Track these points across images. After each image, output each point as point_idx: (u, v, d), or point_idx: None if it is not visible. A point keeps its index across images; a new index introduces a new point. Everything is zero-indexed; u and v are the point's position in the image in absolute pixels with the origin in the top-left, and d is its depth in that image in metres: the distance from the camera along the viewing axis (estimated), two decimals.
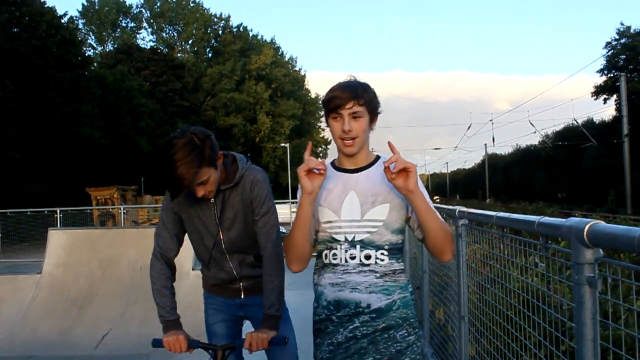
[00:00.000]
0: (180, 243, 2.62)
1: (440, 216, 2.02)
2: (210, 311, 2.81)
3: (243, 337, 2.50)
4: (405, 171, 1.89)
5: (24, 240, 14.54)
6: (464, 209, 3.33)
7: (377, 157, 2.14)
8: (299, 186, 2.03)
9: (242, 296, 2.72)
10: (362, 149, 2.08)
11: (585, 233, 1.56)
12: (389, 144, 1.97)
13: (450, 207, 3.69)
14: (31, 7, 34.98)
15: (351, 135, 2.01)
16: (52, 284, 8.99)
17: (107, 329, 8.08)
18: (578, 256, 1.61)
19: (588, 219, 1.62)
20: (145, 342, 6.88)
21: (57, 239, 9.67)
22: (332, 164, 2.16)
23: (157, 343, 2.47)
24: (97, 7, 63.70)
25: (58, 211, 13.06)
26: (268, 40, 74.03)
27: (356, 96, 2.01)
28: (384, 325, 2.01)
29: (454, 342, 3.87)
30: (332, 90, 2.06)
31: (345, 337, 2.04)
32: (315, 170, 1.97)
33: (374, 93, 2.09)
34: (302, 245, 2.06)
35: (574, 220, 1.63)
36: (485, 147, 59.77)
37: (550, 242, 2.00)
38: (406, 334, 2.03)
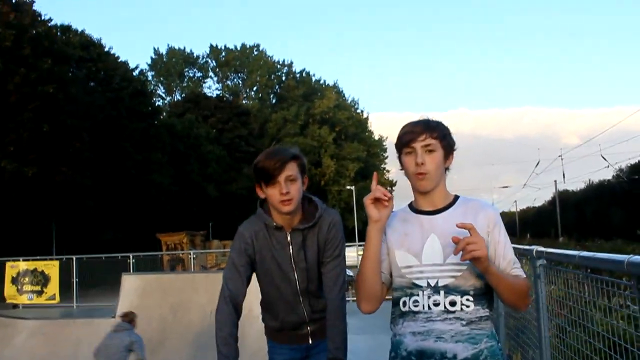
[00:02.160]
0: (247, 286, 2.56)
1: (513, 279, 1.91)
2: None
3: None
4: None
5: (98, 285, 15.00)
6: (541, 248, 3.20)
7: (456, 197, 2.06)
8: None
9: (310, 341, 2.65)
10: (439, 188, 2.01)
11: None
12: (458, 225, 1.87)
13: (527, 247, 3.55)
14: (106, 63, 36.92)
15: (424, 169, 1.95)
16: None
17: None
18: None
19: None
20: None
21: (130, 283, 9.92)
22: (410, 206, 2.09)
23: None
24: (165, 59, 66.50)
25: (131, 256, 13.46)
26: (330, 84, 75.02)
27: (429, 129, 1.97)
28: None
29: None
30: (404, 127, 2.03)
31: None
32: (382, 197, 1.93)
33: (447, 129, 2.04)
34: (372, 280, 1.99)
35: None
36: (555, 184, 57.95)
37: None
38: None
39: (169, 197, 38.86)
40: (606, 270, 2.29)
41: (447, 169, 2.04)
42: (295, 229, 2.45)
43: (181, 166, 42.42)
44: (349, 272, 17.63)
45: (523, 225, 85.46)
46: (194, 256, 16.01)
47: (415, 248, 1.97)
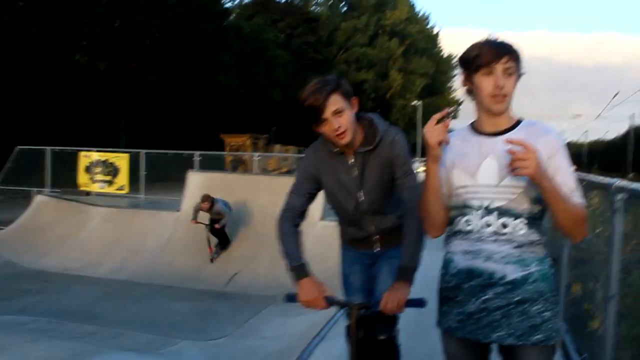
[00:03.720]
0: (310, 202, 2.64)
1: (571, 203, 1.83)
2: (347, 262, 2.84)
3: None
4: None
5: (164, 179, 15.53)
6: (623, 183, 3.07)
7: (519, 121, 1.99)
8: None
9: (378, 248, 2.72)
10: (507, 111, 1.96)
11: None
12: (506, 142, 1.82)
13: (607, 180, 3.41)
14: None
15: (504, 92, 1.88)
16: (189, 222, 9.59)
17: (237, 269, 8.52)
18: None
19: None
20: (273, 285, 7.17)
21: (195, 180, 10.24)
22: (472, 126, 2.05)
23: (291, 298, 2.41)
24: None
25: (196, 154, 13.74)
26: None
27: (510, 51, 1.88)
28: (518, 298, 1.88)
29: (592, 320, 3.66)
30: (479, 46, 1.92)
31: (477, 307, 1.93)
32: (447, 140, 1.91)
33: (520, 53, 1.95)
34: (435, 209, 2.01)
35: None
36: (632, 118, 55.44)
37: None
38: (542, 309, 1.89)
39: (235, 99, 39.24)
40: None
41: None
42: (357, 152, 2.47)
43: (248, 69, 42.48)
44: None
45: (591, 158, 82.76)
46: (257, 158, 16.28)
47: (472, 168, 1.95)
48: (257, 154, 18.24)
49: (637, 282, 2.95)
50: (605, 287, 3.27)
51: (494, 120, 1.96)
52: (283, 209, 2.59)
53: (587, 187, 4.01)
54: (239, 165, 23.19)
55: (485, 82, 1.90)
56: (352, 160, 2.49)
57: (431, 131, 1.89)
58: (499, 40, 1.93)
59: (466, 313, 1.96)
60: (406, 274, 2.39)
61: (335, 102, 2.30)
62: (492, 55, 1.88)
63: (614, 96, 43.51)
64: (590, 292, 3.91)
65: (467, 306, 1.96)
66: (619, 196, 3.10)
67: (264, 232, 8.62)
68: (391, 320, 2.65)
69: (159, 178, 16.05)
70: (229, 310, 6.65)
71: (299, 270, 2.44)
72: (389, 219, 2.64)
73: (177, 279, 8.36)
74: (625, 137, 61.81)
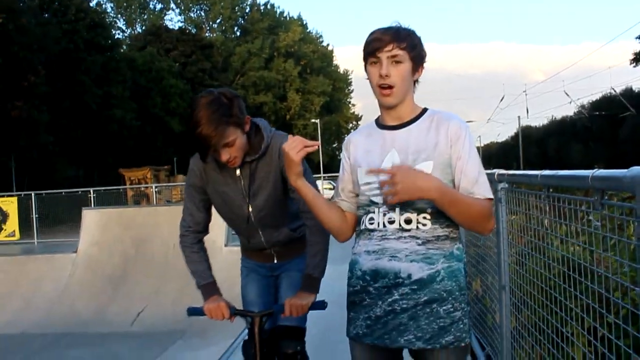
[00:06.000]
0: (209, 217, 2.55)
1: (468, 201, 1.78)
2: (244, 272, 2.78)
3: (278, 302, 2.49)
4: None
5: (60, 221, 14.78)
6: (503, 171, 3.14)
7: (424, 110, 1.91)
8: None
9: (275, 261, 2.67)
10: (405, 102, 1.86)
11: None
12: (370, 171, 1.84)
13: (488, 171, 3.50)
14: None
15: (389, 81, 1.79)
16: (88, 263, 9.08)
17: (142, 306, 8.12)
18: None
19: None
20: (180, 319, 6.87)
21: (91, 218, 9.75)
22: (376, 121, 1.97)
23: (194, 311, 2.36)
24: None
25: (91, 191, 13.22)
26: (295, 17, 73.48)
27: (398, 38, 1.79)
28: (425, 298, 1.78)
29: (493, 314, 3.72)
30: (372, 33, 1.85)
31: (383, 310, 1.82)
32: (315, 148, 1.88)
33: (419, 39, 1.86)
34: (328, 218, 1.96)
35: (637, 169, 1.43)
36: (519, 119, 58.69)
37: (606, 197, 1.79)
38: (451, 309, 1.80)
39: (132, 132, 38.15)
40: (577, 188, 2.22)
41: (416, 81, 1.89)
42: (243, 162, 2.33)
43: (143, 101, 41.46)
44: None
45: (486, 159, 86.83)
46: (158, 190, 15.83)
47: (375, 164, 1.86)
48: (155, 185, 17.75)
49: (532, 268, 3.00)
50: (499, 277, 3.33)
51: (395, 113, 1.88)
52: (182, 228, 2.51)
53: None
54: (141, 200, 22.47)
55: (373, 72, 1.83)
56: (239, 171, 2.36)
57: (292, 147, 1.83)
58: (395, 26, 1.85)
59: (373, 317, 1.85)
60: (310, 284, 2.35)
61: (227, 135, 2.14)
62: (377, 43, 1.80)
63: (500, 100, 45.83)
64: (489, 286, 3.99)
65: (373, 309, 1.84)
66: (501, 185, 3.17)
67: (167, 264, 8.30)
68: (298, 334, 2.57)
69: (54, 220, 15.27)
70: (134, 351, 6.29)
71: (208, 288, 2.40)
72: (282, 232, 2.55)
73: (77, 324, 7.86)
74: (515, 137, 65.42)
